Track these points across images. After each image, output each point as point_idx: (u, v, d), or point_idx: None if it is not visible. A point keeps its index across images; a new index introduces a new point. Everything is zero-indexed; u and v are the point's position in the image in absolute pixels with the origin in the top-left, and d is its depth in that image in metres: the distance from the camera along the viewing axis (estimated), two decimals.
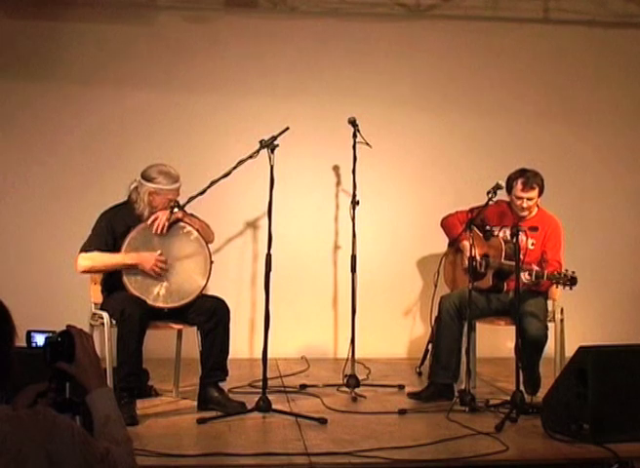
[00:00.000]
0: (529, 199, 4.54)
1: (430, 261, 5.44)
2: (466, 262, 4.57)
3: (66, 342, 1.89)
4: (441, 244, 4.95)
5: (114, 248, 4.18)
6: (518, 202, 4.55)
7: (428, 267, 5.38)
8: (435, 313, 4.84)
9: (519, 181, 4.52)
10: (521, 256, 4.23)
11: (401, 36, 5.91)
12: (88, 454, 1.67)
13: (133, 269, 4.15)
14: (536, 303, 4.46)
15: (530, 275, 4.28)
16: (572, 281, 4.14)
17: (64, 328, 1.93)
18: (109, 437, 1.80)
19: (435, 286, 4.89)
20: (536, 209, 4.67)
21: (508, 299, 4.50)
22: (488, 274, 4.55)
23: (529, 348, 4.31)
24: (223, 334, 4.18)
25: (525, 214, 4.60)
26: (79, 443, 1.67)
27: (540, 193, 4.58)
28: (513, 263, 4.29)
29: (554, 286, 4.57)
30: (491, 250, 4.55)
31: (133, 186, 4.27)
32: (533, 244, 4.55)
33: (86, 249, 4.16)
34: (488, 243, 4.55)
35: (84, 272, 4.22)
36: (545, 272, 4.25)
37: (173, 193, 4.25)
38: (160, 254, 4.18)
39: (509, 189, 4.56)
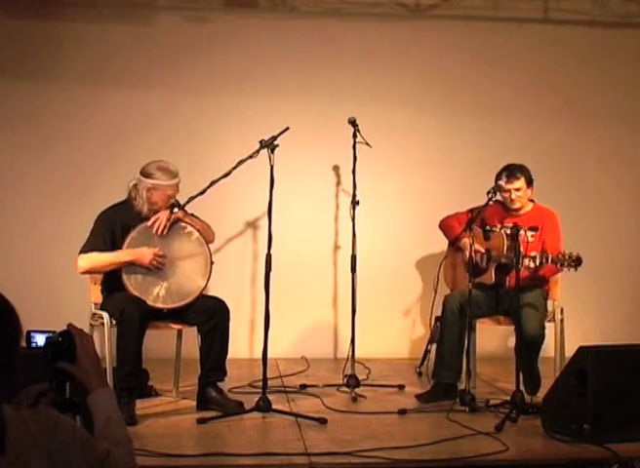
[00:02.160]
0: (516, 190, 4.57)
1: (431, 261, 5.44)
2: (468, 258, 4.57)
3: (67, 342, 1.89)
4: (441, 244, 4.95)
5: (113, 247, 4.18)
6: (506, 195, 4.57)
7: (428, 267, 5.38)
8: (434, 316, 4.85)
9: (503, 175, 4.58)
10: (522, 249, 4.26)
11: (401, 36, 5.91)
12: (89, 455, 1.67)
13: (132, 268, 4.15)
14: (534, 302, 4.45)
15: (534, 261, 4.28)
16: (577, 261, 4.12)
17: (65, 327, 1.93)
18: (110, 438, 1.80)
19: (435, 291, 4.84)
20: (531, 204, 4.69)
21: (508, 298, 4.50)
22: (490, 269, 4.55)
23: (526, 346, 4.31)
24: (223, 335, 4.18)
25: (517, 205, 4.61)
26: (80, 443, 1.67)
27: (529, 184, 4.60)
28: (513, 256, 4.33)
29: (556, 283, 4.60)
30: (492, 245, 4.56)
31: (132, 184, 4.28)
32: (532, 236, 4.55)
33: (84, 250, 4.16)
34: (488, 241, 4.56)
35: (84, 273, 4.23)
36: (550, 255, 4.24)
37: (172, 189, 4.25)
38: (159, 249, 4.18)
39: (498, 187, 4.58)
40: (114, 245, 4.19)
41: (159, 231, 4.20)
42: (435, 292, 4.81)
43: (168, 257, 4.22)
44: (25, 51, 5.62)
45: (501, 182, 4.56)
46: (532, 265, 4.28)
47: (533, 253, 4.32)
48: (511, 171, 4.57)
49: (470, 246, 4.39)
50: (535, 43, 6.01)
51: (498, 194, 4.49)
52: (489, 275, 4.55)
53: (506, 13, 5.91)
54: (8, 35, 5.60)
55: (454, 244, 4.75)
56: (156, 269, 4.16)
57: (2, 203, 5.63)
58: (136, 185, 4.26)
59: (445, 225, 4.85)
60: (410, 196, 5.94)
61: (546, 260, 4.26)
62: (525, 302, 4.39)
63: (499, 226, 4.59)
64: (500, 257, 4.50)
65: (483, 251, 4.57)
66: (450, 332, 4.45)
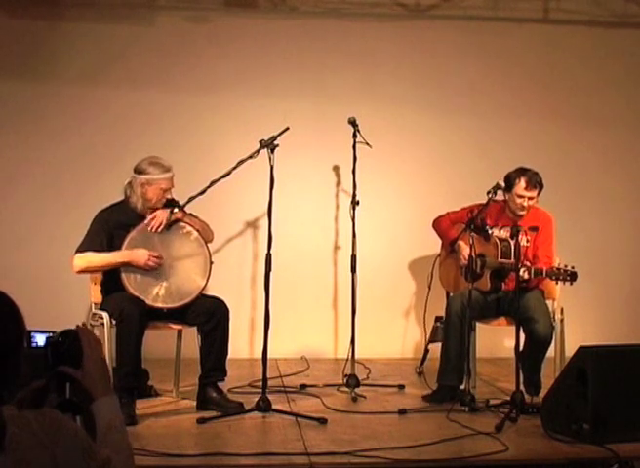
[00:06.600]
0: (530, 198, 4.48)
1: (430, 261, 5.40)
2: (462, 262, 4.56)
3: (67, 343, 1.88)
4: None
5: (110, 248, 4.18)
6: (519, 200, 4.48)
7: (429, 267, 5.36)
8: (429, 314, 4.87)
9: (522, 180, 4.45)
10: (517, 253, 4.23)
11: (401, 36, 5.91)
12: (90, 459, 1.67)
13: (132, 268, 4.15)
14: (539, 302, 4.44)
15: (528, 273, 4.27)
16: (572, 276, 4.11)
17: (65, 328, 1.92)
18: (111, 445, 1.79)
19: (429, 287, 4.88)
20: None
21: (508, 299, 4.48)
22: (485, 275, 4.51)
23: (537, 347, 4.32)
24: (223, 335, 4.18)
25: (523, 212, 4.52)
26: (82, 447, 1.66)
27: (539, 193, 4.56)
28: (510, 262, 4.30)
29: (554, 283, 4.60)
30: (487, 249, 4.53)
31: (126, 182, 4.29)
32: (528, 240, 4.53)
33: (80, 249, 4.16)
34: (489, 242, 4.52)
35: (79, 272, 4.22)
36: (544, 269, 4.23)
37: (165, 183, 4.24)
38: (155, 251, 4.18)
39: (510, 187, 4.48)
40: (111, 245, 4.18)
41: (154, 229, 4.20)
42: (429, 287, 4.84)
43: (167, 257, 4.22)
44: (25, 51, 5.62)
45: (518, 187, 4.45)
46: (525, 276, 4.27)
47: (528, 264, 4.30)
48: (530, 178, 4.44)
49: (470, 246, 4.38)
50: (535, 43, 6.01)
51: (497, 194, 4.43)
52: (484, 281, 4.51)
53: (506, 13, 5.91)
54: (8, 35, 5.60)
55: (452, 244, 4.72)
56: (153, 270, 4.16)
57: (2, 203, 5.62)
58: (130, 183, 4.27)
59: (438, 228, 4.84)
60: (410, 196, 5.94)
61: (540, 274, 4.25)
62: (530, 303, 4.37)
63: (497, 228, 4.57)
64: (494, 264, 4.46)
65: (475, 257, 4.52)
66: (455, 334, 4.40)
